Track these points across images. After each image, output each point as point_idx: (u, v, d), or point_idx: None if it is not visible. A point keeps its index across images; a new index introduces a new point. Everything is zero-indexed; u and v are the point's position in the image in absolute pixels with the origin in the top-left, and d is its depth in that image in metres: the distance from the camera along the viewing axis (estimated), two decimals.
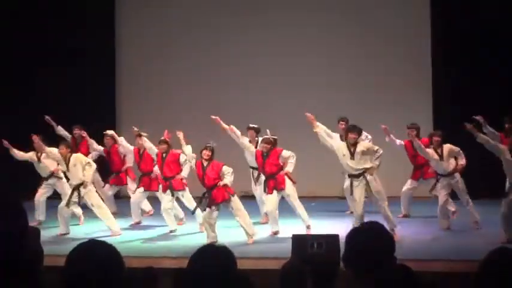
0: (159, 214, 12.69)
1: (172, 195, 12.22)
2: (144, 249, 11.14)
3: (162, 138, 12.34)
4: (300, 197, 12.36)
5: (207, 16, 16.11)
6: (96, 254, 2.98)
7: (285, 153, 11.84)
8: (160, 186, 12.60)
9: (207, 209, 11.26)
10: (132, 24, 16.49)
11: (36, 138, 12.38)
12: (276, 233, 11.88)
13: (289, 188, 11.79)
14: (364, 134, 12.79)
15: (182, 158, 12.22)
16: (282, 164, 11.84)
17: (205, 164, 11.37)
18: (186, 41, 16.24)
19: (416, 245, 10.65)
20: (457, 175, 11.90)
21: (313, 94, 15.61)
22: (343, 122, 13.03)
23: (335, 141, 11.69)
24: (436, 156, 11.87)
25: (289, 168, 11.76)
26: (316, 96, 15.59)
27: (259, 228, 12.04)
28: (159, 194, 12.76)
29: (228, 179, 11.19)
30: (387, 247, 3.45)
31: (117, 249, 3.00)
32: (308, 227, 11.76)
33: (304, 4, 15.91)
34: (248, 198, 13.30)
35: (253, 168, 12.87)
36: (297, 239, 8.92)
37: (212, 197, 11.25)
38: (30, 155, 13.13)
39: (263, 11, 16.00)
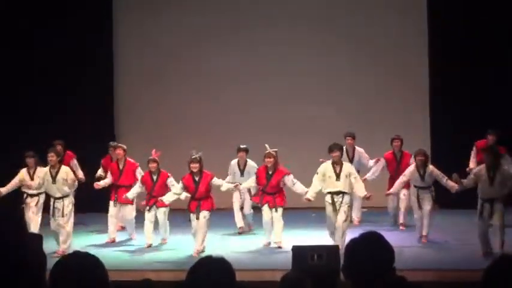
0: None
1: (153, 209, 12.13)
2: (135, 262, 11.15)
3: (151, 157, 12.10)
4: (299, 208, 12.41)
5: (207, 28, 16.08)
6: (80, 266, 3.01)
7: (287, 179, 11.78)
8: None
9: (200, 217, 11.37)
10: (131, 37, 16.46)
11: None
12: (268, 244, 11.91)
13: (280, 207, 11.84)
14: (364, 154, 12.98)
15: (173, 181, 12.01)
16: (282, 186, 11.89)
17: (196, 178, 11.45)
18: (185, 53, 16.19)
19: (416, 255, 10.67)
20: (432, 189, 11.85)
21: (312, 108, 15.60)
22: (349, 138, 13.23)
23: (318, 177, 11.47)
24: (416, 176, 11.79)
25: (300, 188, 11.70)
26: (315, 108, 15.60)
27: (250, 239, 12.29)
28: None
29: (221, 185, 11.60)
30: (387, 258, 3.43)
31: (100, 260, 3.05)
32: (277, 244, 11.76)
33: (305, 18, 15.88)
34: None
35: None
36: (297, 251, 8.91)
37: (201, 205, 11.41)
38: (22, 179, 12.37)
39: (264, 25, 15.98)
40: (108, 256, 11.08)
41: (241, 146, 12.95)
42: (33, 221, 12.18)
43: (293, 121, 15.55)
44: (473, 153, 12.99)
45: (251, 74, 15.96)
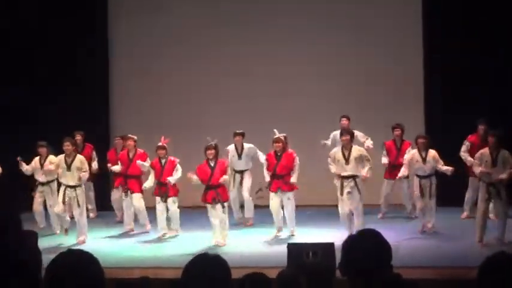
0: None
1: (165, 200, 12.46)
2: (134, 259, 11.13)
3: (160, 144, 12.50)
4: (295, 206, 12.41)
5: (200, 26, 16.01)
6: (75, 263, 3.01)
7: (297, 160, 12.18)
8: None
9: (216, 207, 11.62)
10: (125, 34, 16.41)
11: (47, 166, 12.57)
12: (279, 230, 12.29)
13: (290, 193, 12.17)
14: (360, 134, 13.31)
15: (179, 166, 12.47)
16: (292, 167, 12.17)
17: (212, 163, 11.71)
18: (179, 49, 16.12)
19: (412, 252, 10.66)
20: (434, 178, 12.10)
21: (308, 102, 15.58)
22: (344, 118, 13.63)
23: (330, 160, 11.90)
24: (418, 159, 12.05)
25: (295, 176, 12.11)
26: (311, 102, 15.57)
27: (248, 236, 12.46)
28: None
29: (224, 177, 11.71)
30: (383, 255, 3.42)
31: (95, 257, 3.05)
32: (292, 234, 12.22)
33: (299, 13, 15.83)
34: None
35: (236, 171, 13.52)
36: (293, 248, 8.90)
37: (221, 195, 11.65)
38: (34, 166, 12.98)
39: (256, 21, 15.93)
40: (107, 253, 11.07)
41: (237, 131, 13.48)
42: (52, 211, 12.68)
43: (290, 113, 15.52)
44: (464, 148, 12.99)
45: (250, 65, 15.83)
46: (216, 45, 15.97)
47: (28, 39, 15.87)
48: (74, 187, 12.13)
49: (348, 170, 11.66)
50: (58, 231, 12.59)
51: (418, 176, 12.13)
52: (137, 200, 12.99)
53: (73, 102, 15.62)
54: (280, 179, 12.14)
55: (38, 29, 15.87)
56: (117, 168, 13.30)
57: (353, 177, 11.65)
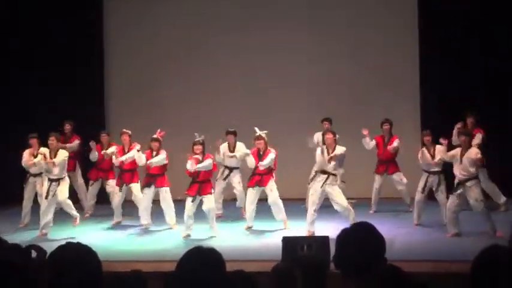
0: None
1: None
2: (126, 253, 11.12)
3: (154, 136, 12.56)
4: (289, 199, 12.43)
5: (198, 23, 16.03)
6: (74, 257, 3.00)
7: (272, 155, 12.20)
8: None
9: (194, 201, 11.75)
10: (121, 25, 16.40)
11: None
12: (249, 227, 12.38)
13: (271, 184, 12.25)
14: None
15: (164, 152, 12.54)
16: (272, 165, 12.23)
17: (200, 158, 11.78)
18: (176, 42, 16.16)
19: (407, 246, 10.67)
20: (438, 176, 12.19)
21: (306, 99, 15.60)
22: (326, 122, 13.78)
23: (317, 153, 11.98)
24: (427, 156, 12.14)
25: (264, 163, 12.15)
26: (306, 100, 15.59)
27: (243, 229, 12.43)
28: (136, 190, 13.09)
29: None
30: (377, 248, 3.42)
31: (93, 250, 3.05)
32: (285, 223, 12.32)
33: (297, 13, 15.84)
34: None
35: (225, 166, 13.49)
36: (287, 241, 8.92)
37: (202, 190, 11.75)
38: (26, 158, 12.84)
39: (253, 15, 15.95)
40: (98, 246, 11.02)
41: (230, 129, 13.39)
42: (41, 202, 12.53)
43: (286, 109, 15.55)
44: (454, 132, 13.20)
45: (248, 62, 15.90)
46: (213, 43, 15.98)
47: (27, 39, 15.86)
48: (57, 180, 12.15)
49: (329, 169, 11.63)
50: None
51: (425, 171, 12.26)
52: (138, 190, 12.96)
53: (71, 102, 15.62)
54: (258, 176, 12.29)
55: (38, 29, 15.86)
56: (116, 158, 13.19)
57: (330, 175, 11.62)
